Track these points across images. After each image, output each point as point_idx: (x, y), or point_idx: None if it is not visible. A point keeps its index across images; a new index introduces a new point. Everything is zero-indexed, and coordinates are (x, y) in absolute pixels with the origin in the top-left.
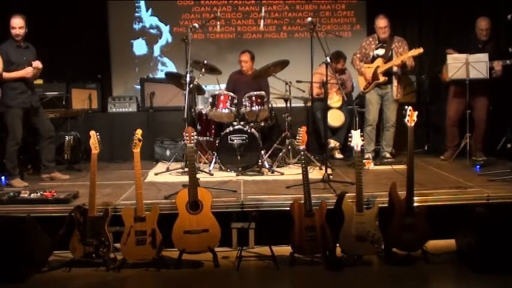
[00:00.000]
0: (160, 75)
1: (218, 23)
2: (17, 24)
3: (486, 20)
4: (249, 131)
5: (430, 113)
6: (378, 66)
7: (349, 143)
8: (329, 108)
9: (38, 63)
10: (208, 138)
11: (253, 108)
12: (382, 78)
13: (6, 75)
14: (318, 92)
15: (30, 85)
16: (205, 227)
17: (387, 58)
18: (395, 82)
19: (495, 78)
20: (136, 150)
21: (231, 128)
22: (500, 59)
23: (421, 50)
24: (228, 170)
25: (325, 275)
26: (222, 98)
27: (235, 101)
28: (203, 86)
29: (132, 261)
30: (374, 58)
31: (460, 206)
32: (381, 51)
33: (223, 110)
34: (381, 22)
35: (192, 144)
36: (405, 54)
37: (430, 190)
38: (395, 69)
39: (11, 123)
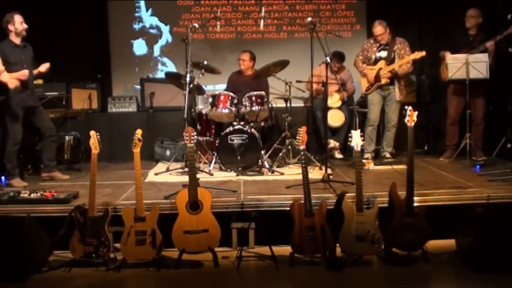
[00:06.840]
0: (160, 75)
1: (218, 23)
2: (22, 19)
3: (475, 10)
4: (249, 131)
5: (430, 113)
6: (380, 68)
7: (349, 143)
8: (329, 108)
9: (46, 66)
10: (208, 138)
11: (253, 108)
12: (384, 80)
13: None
14: (317, 88)
15: (28, 85)
16: (205, 227)
17: (390, 60)
18: (397, 83)
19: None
20: (136, 150)
21: (231, 128)
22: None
23: (423, 53)
24: (228, 170)
25: (325, 275)
26: (222, 98)
27: (235, 101)
28: (203, 86)
29: (132, 261)
30: (376, 60)
31: (460, 206)
32: (383, 53)
33: (223, 110)
34: (376, 30)
35: (192, 144)
36: (407, 57)
37: (430, 190)
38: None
39: (11, 123)
